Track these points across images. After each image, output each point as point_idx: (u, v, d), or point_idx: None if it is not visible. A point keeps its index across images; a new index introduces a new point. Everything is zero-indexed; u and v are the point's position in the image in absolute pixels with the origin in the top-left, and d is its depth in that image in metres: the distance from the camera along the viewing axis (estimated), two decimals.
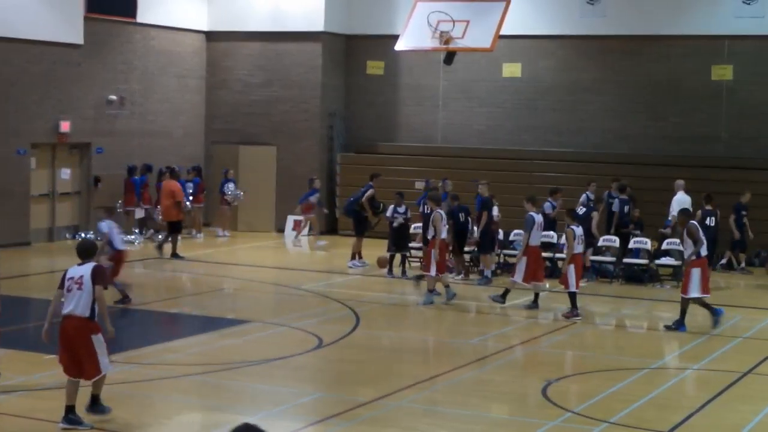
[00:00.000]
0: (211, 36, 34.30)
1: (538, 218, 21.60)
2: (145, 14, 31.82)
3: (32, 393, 14.03)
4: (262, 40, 33.72)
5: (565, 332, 19.46)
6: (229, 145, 33.94)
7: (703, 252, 19.50)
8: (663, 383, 15.81)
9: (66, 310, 12.68)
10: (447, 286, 21.68)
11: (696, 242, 19.28)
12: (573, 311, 20.41)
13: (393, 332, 19.53)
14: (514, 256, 25.96)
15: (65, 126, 29.58)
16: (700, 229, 19.61)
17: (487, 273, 24.61)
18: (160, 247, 27.47)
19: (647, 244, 25.45)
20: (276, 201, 33.30)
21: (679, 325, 19.42)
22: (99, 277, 12.75)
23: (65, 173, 30.33)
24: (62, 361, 12.79)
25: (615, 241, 25.34)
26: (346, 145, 33.97)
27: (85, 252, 13.10)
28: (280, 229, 32.88)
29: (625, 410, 14.05)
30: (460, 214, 24.81)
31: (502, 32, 27.81)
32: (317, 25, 33.04)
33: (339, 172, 33.44)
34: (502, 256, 26.18)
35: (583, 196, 26.31)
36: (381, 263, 25.80)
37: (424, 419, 13.65)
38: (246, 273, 25.46)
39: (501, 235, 26.09)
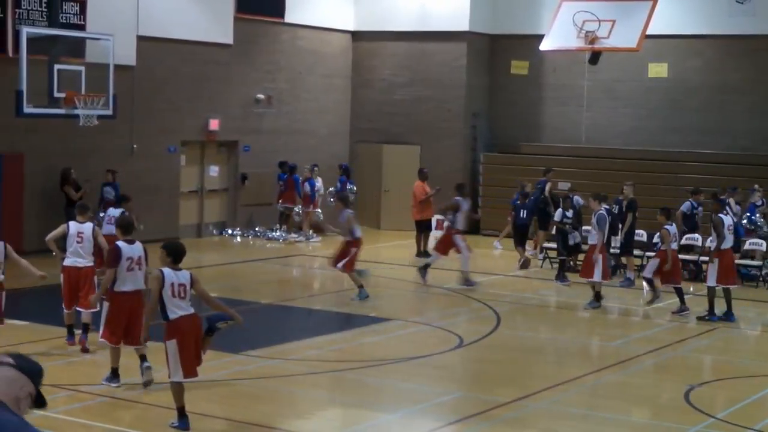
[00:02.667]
0: (357, 36, 34.64)
1: (607, 215, 21.61)
2: (292, 14, 32.30)
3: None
4: (407, 39, 33.92)
5: (709, 336, 19.20)
6: (373, 144, 34.25)
7: (728, 244, 20.36)
8: None
9: (184, 313, 12.43)
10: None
11: (719, 235, 20.08)
12: (681, 306, 20.73)
13: (534, 333, 19.51)
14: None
15: (214, 124, 30.23)
16: (724, 223, 20.35)
17: (630, 275, 24.39)
18: (420, 252, 27.72)
19: None
20: None
21: (710, 314, 20.21)
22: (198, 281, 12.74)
23: (213, 170, 30.99)
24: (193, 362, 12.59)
25: (762, 244, 24.88)
26: (489, 145, 33.98)
27: (182, 256, 12.71)
28: None
29: None
30: (522, 211, 26.62)
31: (649, 32, 27.60)
32: (462, 24, 33.10)
33: (482, 172, 33.45)
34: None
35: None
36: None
37: (564, 421, 13.64)
38: (388, 271, 25.66)
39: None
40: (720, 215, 20.67)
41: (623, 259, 24.99)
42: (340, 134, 34.63)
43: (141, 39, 27.80)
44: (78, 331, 16.16)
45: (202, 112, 30.00)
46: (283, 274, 25.87)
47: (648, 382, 15.78)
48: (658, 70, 31.73)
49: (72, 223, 16.31)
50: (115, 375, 14.18)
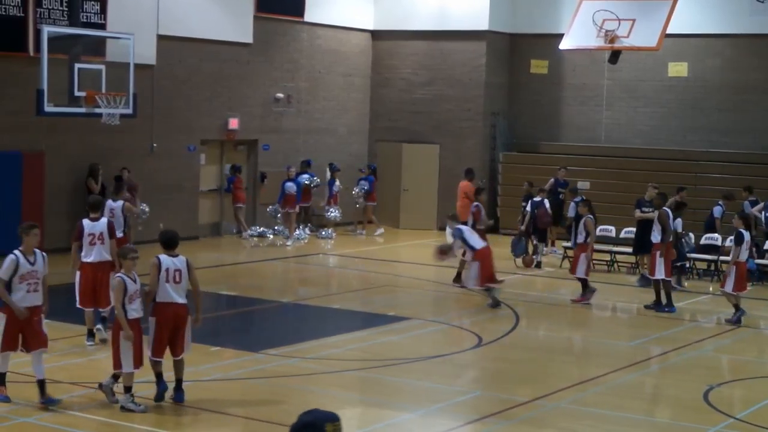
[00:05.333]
0: (376, 35, 34.66)
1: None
2: (312, 13, 32.32)
3: (199, 384, 14.39)
4: (426, 38, 33.93)
5: (728, 336, 19.15)
6: (393, 143, 34.26)
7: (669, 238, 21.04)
8: None
9: (170, 300, 13.17)
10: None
11: (665, 229, 20.69)
12: (585, 295, 21.43)
13: (553, 332, 19.49)
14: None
15: (234, 123, 30.27)
16: (670, 216, 20.97)
17: (646, 273, 24.45)
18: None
19: None
20: (438, 199, 33.44)
21: (656, 305, 20.91)
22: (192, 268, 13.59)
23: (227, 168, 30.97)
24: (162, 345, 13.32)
25: None
26: (509, 144, 33.95)
27: (176, 243, 13.57)
28: (442, 228, 32.98)
29: None
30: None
31: (669, 31, 27.48)
32: (482, 24, 33.08)
33: (501, 171, 33.43)
34: None
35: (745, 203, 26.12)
36: (527, 263, 26.13)
37: (583, 421, 13.61)
38: (407, 270, 25.67)
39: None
40: (665, 208, 21.07)
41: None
42: (359, 133, 34.65)
43: (161, 38, 27.87)
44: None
45: (221, 111, 30.05)
46: (302, 273, 25.90)
47: (667, 382, 15.76)
48: (678, 69, 31.64)
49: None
50: (90, 334, 16.28)
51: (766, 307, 22.38)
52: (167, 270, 13.10)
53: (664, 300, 20.96)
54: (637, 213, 24.48)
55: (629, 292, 23.15)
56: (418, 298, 22.86)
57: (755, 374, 16.38)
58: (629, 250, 25.93)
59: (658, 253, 20.86)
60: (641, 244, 24.33)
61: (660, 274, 20.84)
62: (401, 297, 22.77)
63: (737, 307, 19.94)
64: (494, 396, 14.68)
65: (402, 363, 16.21)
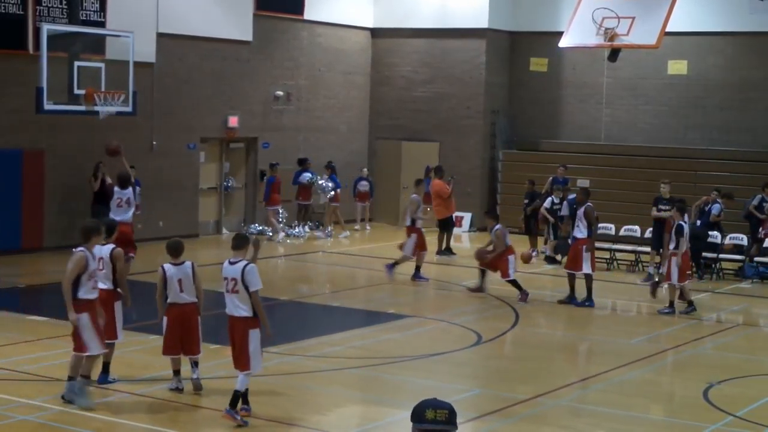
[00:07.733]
0: (376, 33, 34.65)
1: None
2: (312, 11, 32.32)
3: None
4: (426, 36, 33.92)
5: (728, 334, 19.16)
6: (393, 141, 34.27)
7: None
8: None
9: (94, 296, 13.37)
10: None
11: (590, 224, 20.99)
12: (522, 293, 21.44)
13: (552, 330, 19.49)
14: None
15: (233, 121, 30.28)
16: (595, 211, 21.48)
17: (652, 270, 24.66)
18: (443, 250, 27.79)
19: None
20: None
21: (587, 300, 21.07)
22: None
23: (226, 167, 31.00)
24: None
25: None
26: (509, 142, 33.95)
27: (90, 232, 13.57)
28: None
29: None
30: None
31: (668, 29, 27.46)
32: (482, 22, 33.08)
33: (501, 169, 33.42)
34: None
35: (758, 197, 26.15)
36: (525, 259, 26.06)
37: (583, 419, 13.63)
38: (407, 268, 25.64)
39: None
40: (589, 204, 21.25)
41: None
42: (359, 131, 34.66)
43: (161, 36, 27.88)
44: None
45: (221, 108, 30.05)
46: (302, 271, 25.91)
47: (667, 380, 15.77)
48: (678, 67, 31.63)
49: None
50: None
51: (764, 305, 22.37)
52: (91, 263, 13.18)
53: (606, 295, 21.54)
54: (654, 212, 24.58)
55: (629, 290, 23.14)
56: (418, 296, 22.86)
57: (755, 372, 16.37)
58: (629, 248, 26.06)
59: (584, 248, 20.96)
60: (659, 243, 24.54)
61: (587, 269, 20.97)
62: (401, 295, 22.76)
63: (690, 303, 20.26)
64: (494, 394, 14.69)
65: (402, 361, 16.22)
